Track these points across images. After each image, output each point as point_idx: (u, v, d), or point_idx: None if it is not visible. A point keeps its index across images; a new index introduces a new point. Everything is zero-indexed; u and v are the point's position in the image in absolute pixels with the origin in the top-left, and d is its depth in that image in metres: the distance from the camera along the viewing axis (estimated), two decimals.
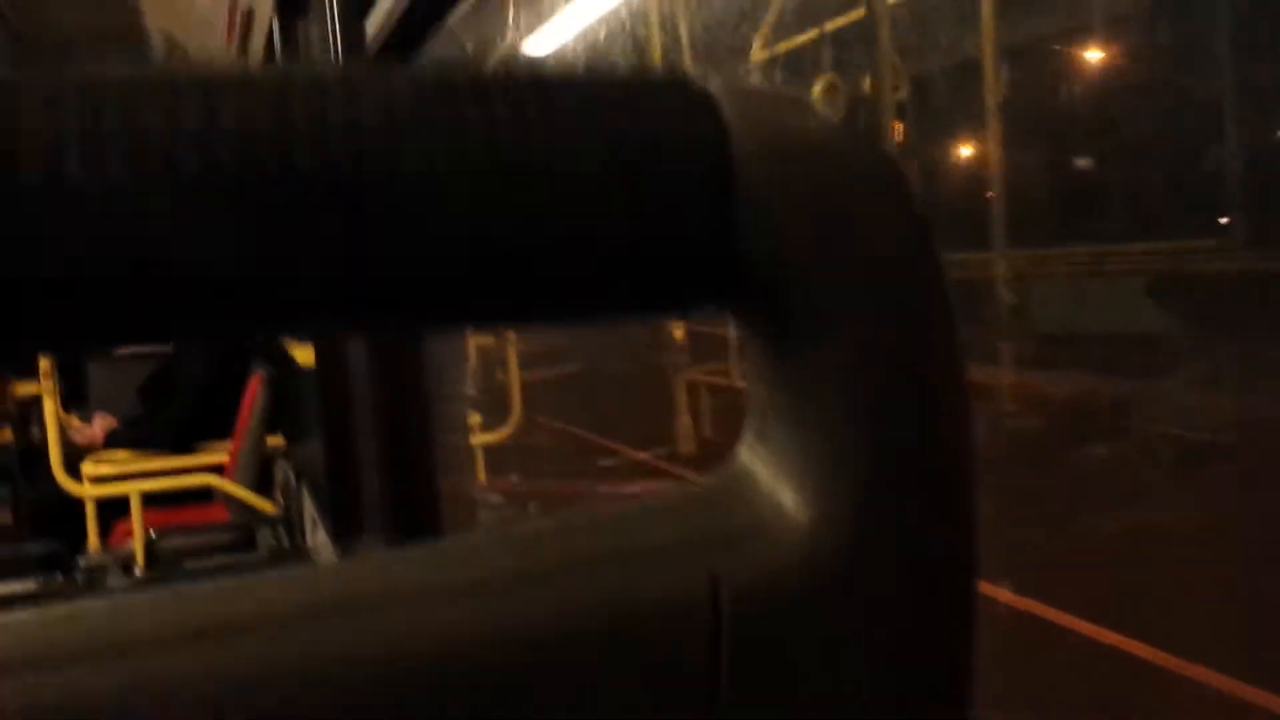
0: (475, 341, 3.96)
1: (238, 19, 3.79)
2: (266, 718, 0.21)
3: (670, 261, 0.23)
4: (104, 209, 0.19)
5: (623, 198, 0.22)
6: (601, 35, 3.04)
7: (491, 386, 3.44)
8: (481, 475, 3.31)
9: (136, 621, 0.22)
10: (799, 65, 3.08)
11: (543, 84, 0.22)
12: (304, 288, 0.21)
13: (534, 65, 0.23)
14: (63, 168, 0.19)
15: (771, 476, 0.26)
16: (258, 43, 3.76)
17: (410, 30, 1.96)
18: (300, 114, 0.20)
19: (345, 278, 0.21)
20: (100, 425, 4.31)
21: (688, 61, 3.06)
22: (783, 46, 2.90)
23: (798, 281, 0.24)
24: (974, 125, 2.77)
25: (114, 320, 0.20)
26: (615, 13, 2.92)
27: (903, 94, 2.89)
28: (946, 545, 0.26)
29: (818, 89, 2.97)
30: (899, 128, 2.96)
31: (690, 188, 0.23)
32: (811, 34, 3.02)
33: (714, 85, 0.24)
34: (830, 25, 3.00)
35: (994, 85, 2.54)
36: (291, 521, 3.85)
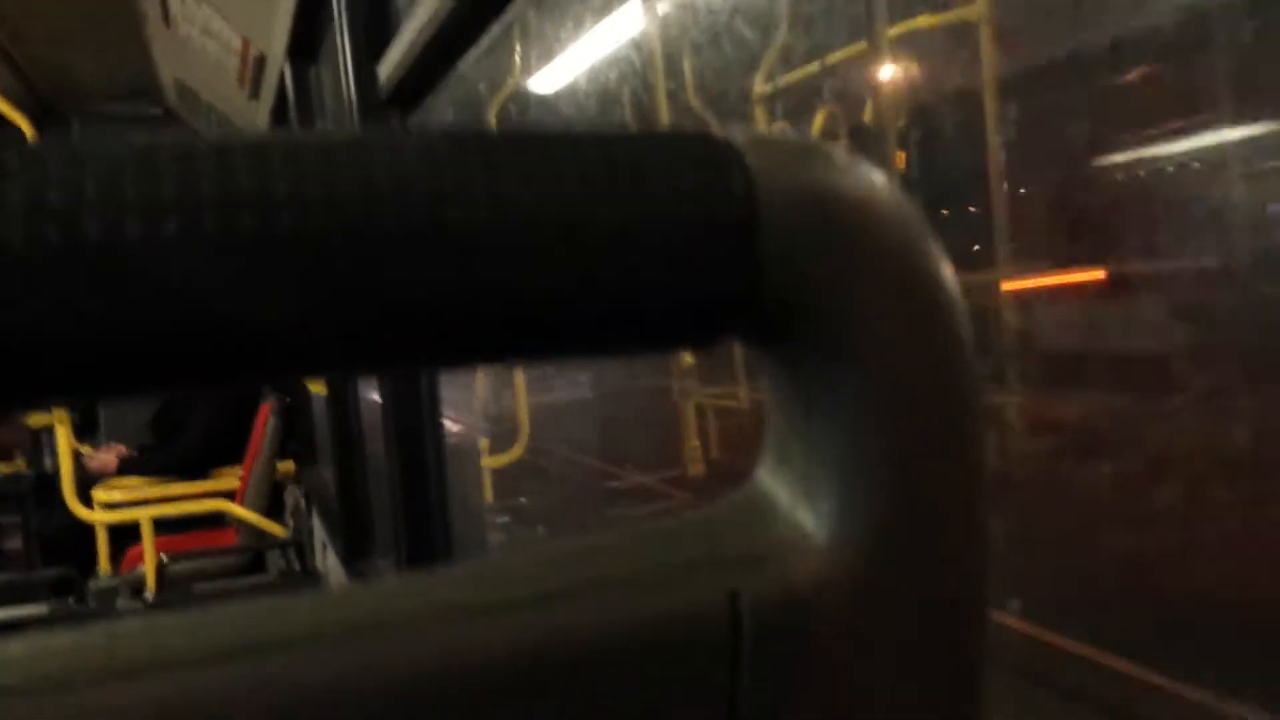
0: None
1: (249, 65, 3.81)
2: None
3: (700, 301, 0.24)
4: (126, 270, 0.19)
5: (657, 246, 0.23)
6: (611, 76, 3.08)
7: (499, 413, 3.45)
8: (490, 497, 3.33)
9: (153, 643, 0.22)
10: (801, 98, 3.12)
11: (578, 143, 0.23)
12: (348, 336, 0.22)
13: (554, 127, 0.24)
14: (85, 230, 0.19)
15: (790, 499, 0.27)
16: (269, 88, 3.79)
17: (423, 75, 1.98)
18: (346, 176, 0.21)
19: (390, 323, 0.22)
20: (113, 453, 4.34)
21: (692, 97, 3.10)
22: (784, 81, 2.94)
23: (820, 317, 0.25)
24: (976, 154, 2.80)
25: (141, 372, 0.20)
26: (621, 53, 2.97)
27: (902, 123, 2.93)
28: (960, 570, 0.27)
29: (819, 120, 3.02)
30: (901, 157, 2.99)
31: (720, 233, 0.24)
32: (812, 68, 3.07)
33: (738, 137, 0.25)
34: (831, 59, 3.03)
35: (994, 116, 2.58)
36: (302, 545, 3.87)
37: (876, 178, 0.26)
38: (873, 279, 0.26)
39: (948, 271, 0.26)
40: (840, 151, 0.27)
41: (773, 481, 0.28)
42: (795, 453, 0.27)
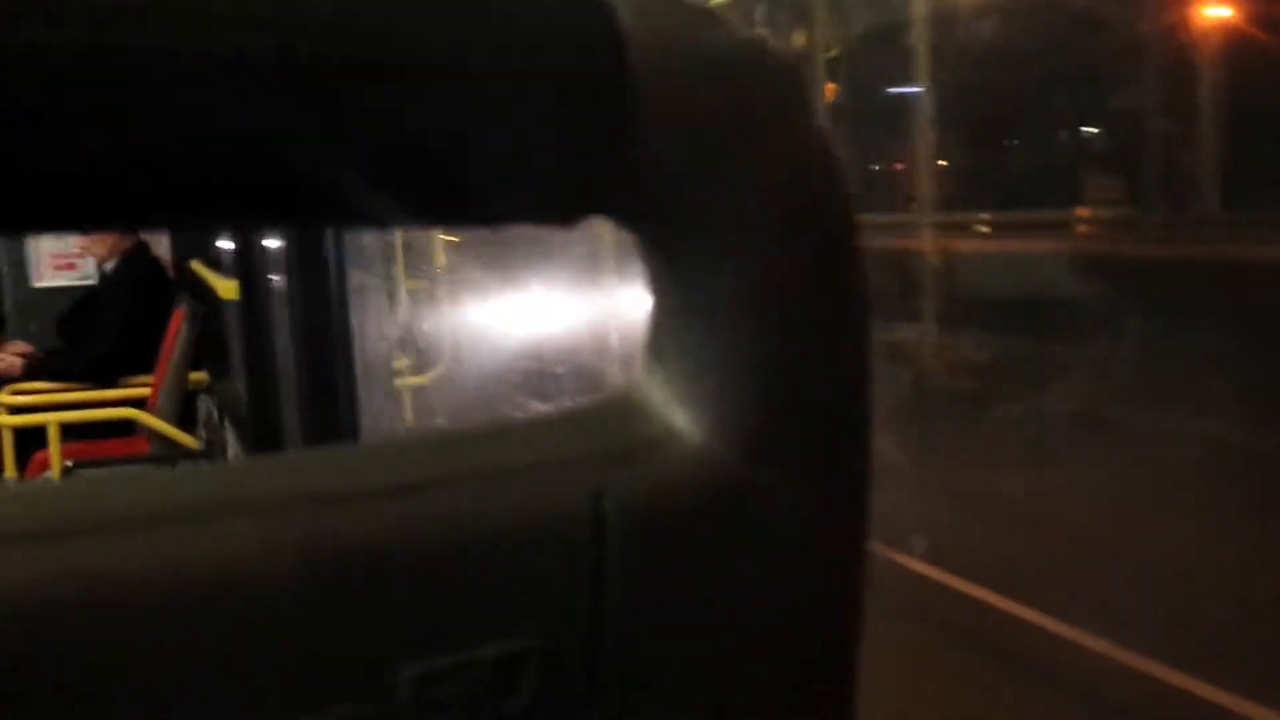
0: (408, 284, 3.93)
1: None
2: (121, 619, 0.21)
3: (563, 167, 0.23)
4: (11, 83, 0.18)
5: (513, 98, 0.22)
6: None
7: (419, 331, 3.42)
8: (409, 418, 3.31)
9: (31, 511, 0.21)
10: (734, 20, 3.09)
11: None
12: (206, 176, 0.20)
13: None
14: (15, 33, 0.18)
15: (665, 396, 0.26)
16: None
17: None
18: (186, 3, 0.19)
19: (246, 167, 0.20)
20: (18, 353, 4.22)
21: None
22: (714, 1, 2.91)
23: (695, 197, 0.24)
24: (903, 84, 2.80)
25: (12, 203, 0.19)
26: None
27: (834, 52, 2.93)
28: (838, 476, 0.26)
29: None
30: (830, 88, 2.99)
31: (583, 92, 0.22)
32: None
33: None
34: None
35: (923, 49, 2.58)
36: (213, 457, 3.82)
37: (766, 50, 0.24)
38: (757, 160, 0.24)
39: (838, 160, 0.25)
40: (728, 16, 0.25)
41: (648, 379, 0.27)
42: (670, 349, 0.26)
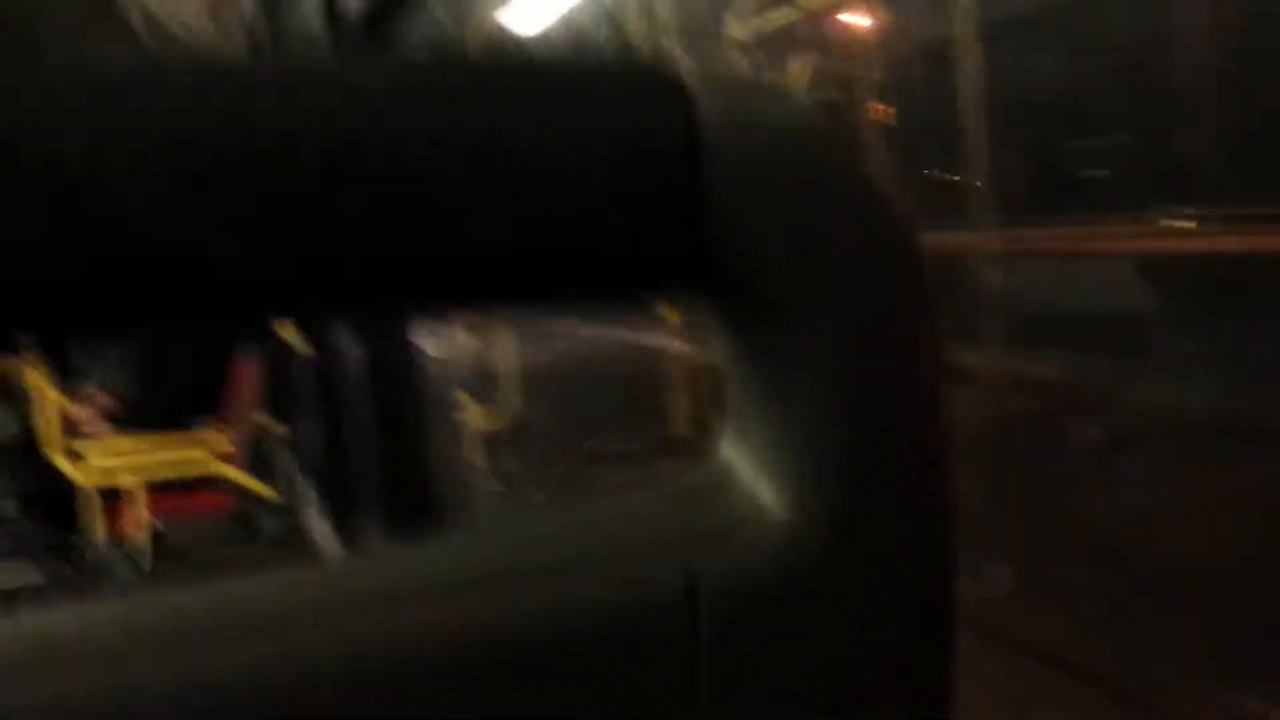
0: (467, 331, 3.97)
1: None
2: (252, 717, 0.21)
3: (640, 247, 0.23)
4: (103, 198, 0.19)
5: (592, 184, 0.22)
6: (581, 16, 3.04)
7: (483, 373, 3.45)
8: (478, 461, 3.34)
9: (140, 625, 0.22)
10: (777, 45, 3.08)
11: (516, 73, 0.22)
12: (284, 272, 0.21)
13: (508, 53, 0.23)
14: (62, 160, 0.18)
15: (751, 472, 0.26)
16: (234, 17, 3.71)
17: (390, 5, 1.94)
18: (267, 105, 0.20)
19: (320, 262, 0.21)
20: (96, 406, 4.30)
21: (666, 41, 3.06)
22: (760, 26, 2.90)
23: (769, 271, 0.24)
24: (952, 105, 2.78)
25: (121, 307, 0.20)
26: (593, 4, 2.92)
27: (881, 75, 2.91)
28: (924, 542, 0.26)
29: (796, 68, 2.99)
30: (879, 108, 2.98)
31: (661, 174, 0.23)
32: (790, 13, 3.03)
33: (686, 73, 0.23)
34: (808, 3, 3.00)
35: (970, 66, 2.56)
36: (292, 508, 3.88)
37: (835, 126, 0.26)
38: (829, 232, 0.24)
39: (911, 224, 0.25)
40: (795, 91, 0.26)
41: (734, 454, 0.27)
42: (754, 423, 0.26)
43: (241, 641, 0.22)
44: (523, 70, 0.22)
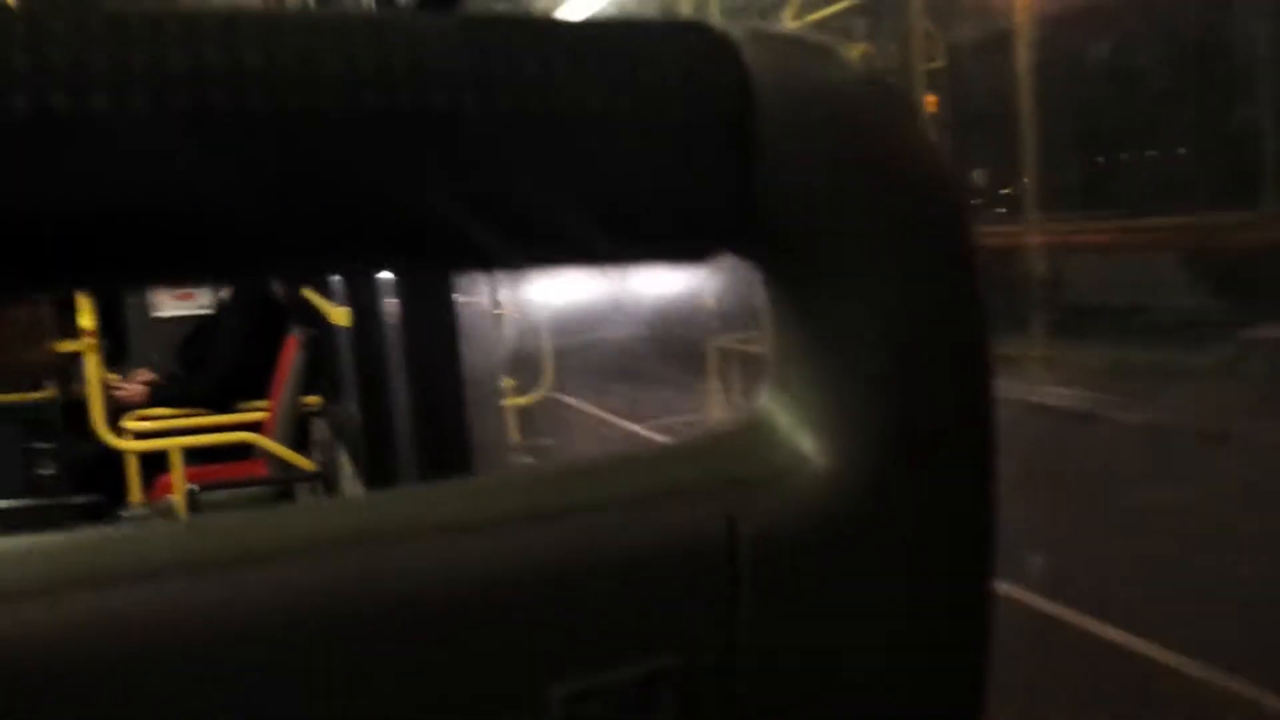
0: (508, 308, 3.99)
1: None
2: (285, 644, 0.21)
3: (690, 205, 0.23)
4: (129, 144, 0.18)
5: (642, 140, 0.22)
6: (631, 5, 3.04)
7: (520, 352, 3.47)
8: (514, 435, 3.36)
9: (166, 548, 0.22)
10: (832, 35, 3.07)
11: (566, 31, 0.22)
12: (332, 226, 0.21)
13: (558, 19, 0.22)
14: (90, 102, 0.18)
15: (792, 423, 0.26)
16: None
17: None
18: (331, 57, 0.20)
19: (371, 217, 0.21)
20: (142, 381, 4.39)
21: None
22: (814, 17, 2.90)
23: (820, 230, 0.24)
24: (1009, 97, 2.75)
25: (108, 258, 0.20)
26: None
27: (937, 63, 2.90)
28: (964, 498, 0.26)
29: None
30: (932, 100, 2.96)
31: (710, 131, 0.23)
32: (844, 3, 3.03)
33: (736, 30, 0.23)
34: None
35: (1026, 61, 2.54)
36: (329, 479, 3.91)
37: (887, 85, 0.25)
38: (879, 193, 0.24)
39: (957, 187, 0.25)
40: (848, 51, 0.25)
41: (774, 405, 0.27)
42: (796, 376, 0.26)
43: (276, 564, 0.22)
44: (575, 28, 0.22)
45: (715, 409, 3.33)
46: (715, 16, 3.08)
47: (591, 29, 0.22)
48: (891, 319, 0.25)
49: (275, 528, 0.23)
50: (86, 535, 0.22)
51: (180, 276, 0.21)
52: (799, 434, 0.26)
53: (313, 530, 0.23)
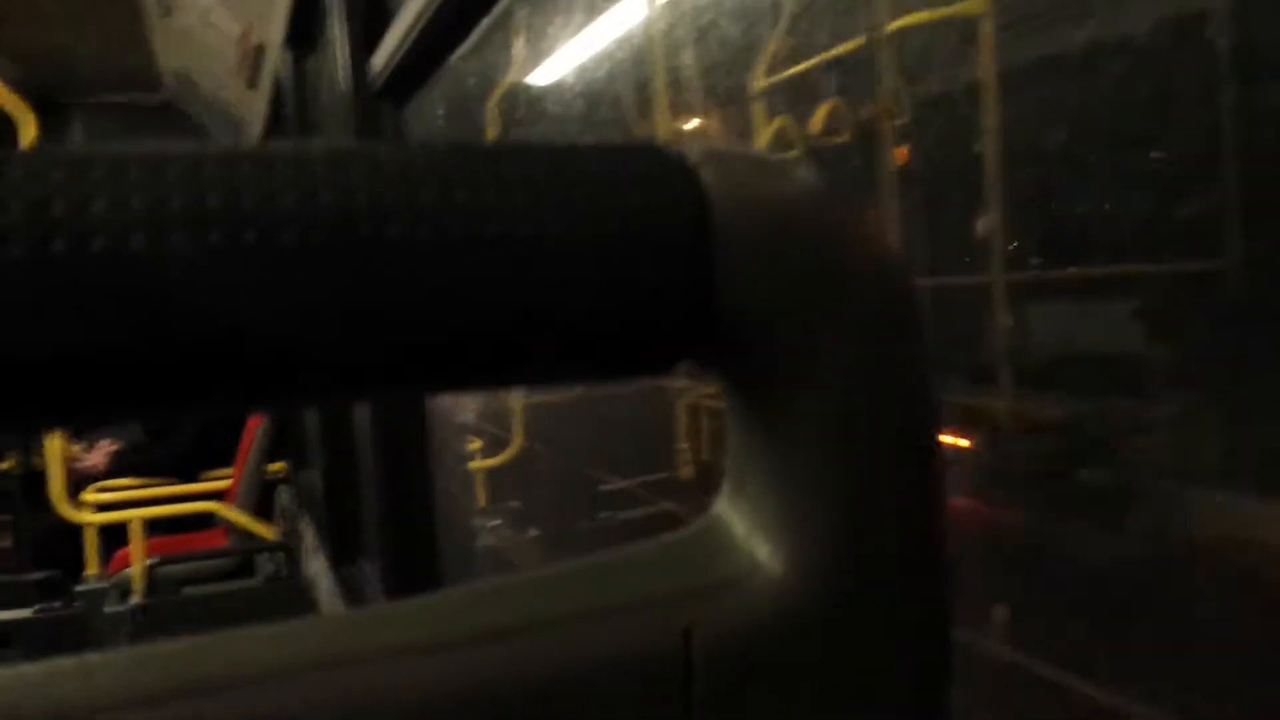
0: None
1: (249, 54, 3.83)
2: None
3: (653, 323, 0.24)
4: (130, 284, 0.19)
5: (605, 265, 0.23)
6: (603, 73, 3.05)
7: (487, 412, 3.43)
8: (481, 500, 3.30)
9: (115, 680, 0.22)
10: (802, 93, 3.08)
11: (525, 159, 0.23)
12: (297, 357, 0.21)
13: (518, 142, 0.23)
14: (90, 243, 0.19)
15: (748, 529, 0.26)
16: (267, 78, 3.80)
17: (415, 67, 1.98)
18: (288, 192, 0.21)
19: (346, 348, 0.21)
20: (103, 452, 4.32)
21: (692, 92, 3.07)
22: (785, 74, 2.90)
23: (776, 339, 0.25)
24: (975, 148, 2.75)
25: (141, 392, 0.20)
26: (617, 49, 2.94)
27: (905, 119, 2.89)
28: (919, 600, 0.27)
29: (820, 115, 2.98)
30: (902, 152, 2.95)
31: (670, 250, 0.23)
32: (813, 61, 3.03)
33: (692, 152, 0.25)
34: (831, 53, 2.99)
35: (993, 109, 2.54)
36: (291, 548, 3.85)
37: (840, 198, 0.26)
38: (832, 302, 0.25)
39: (912, 291, 0.26)
40: (799, 167, 0.26)
41: (730, 510, 0.27)
42: (752, 481, 0.27)
43: (237, 693, 0.22)
44: (535, 154, 0.23)
45: (684, 467, 3.29)
46: (690, 70, 3.10)
47: (552, 154, 0.24)
48: (845, 424, 0.25)
49: (211, 657, 0.23)
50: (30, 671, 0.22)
51: (130, 413, 0.21)
52: (754, 540, 0.26)
53: (253, 658, 0.23)
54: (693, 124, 3.03)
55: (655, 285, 0.23)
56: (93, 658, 0.22)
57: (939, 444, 0.27)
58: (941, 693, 0.27)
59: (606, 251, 0.23)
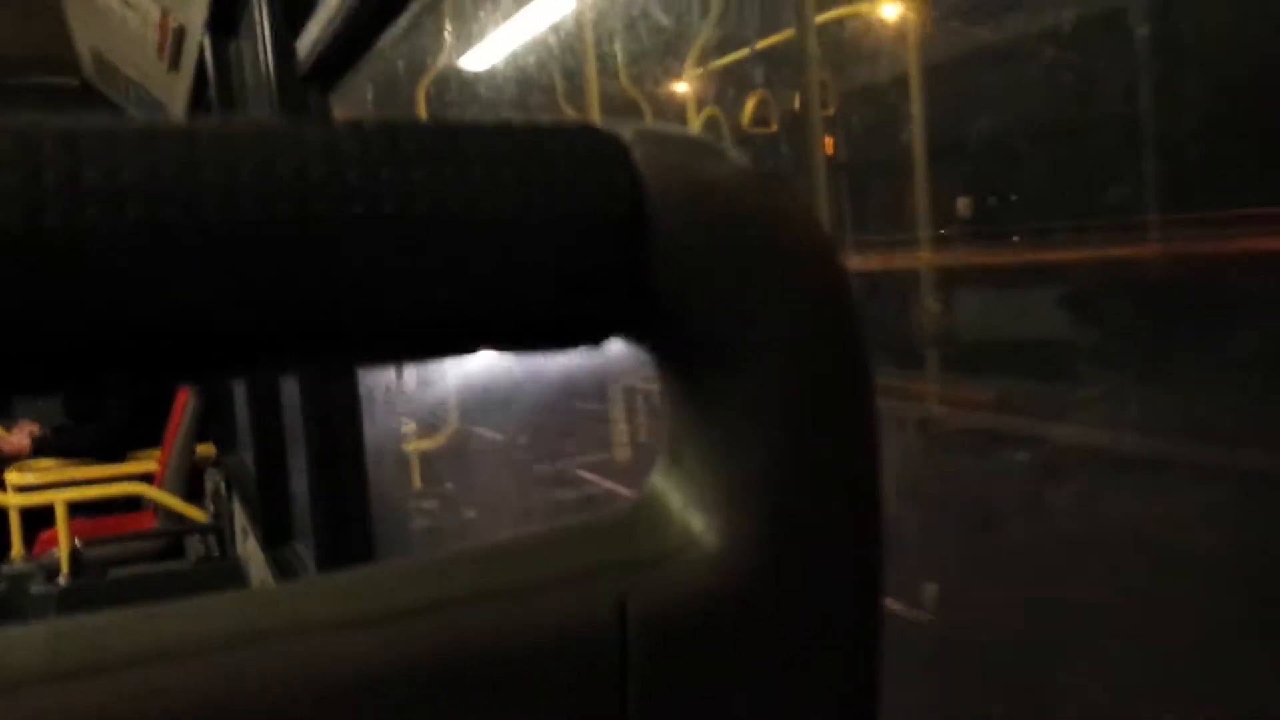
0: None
1: (169, 37, 3.74)
2: None
3: (586, 298, 0.24)
4: (41, 258, 0.19)
5: (537, 241, 0.23)
6: (532, 60, 3.06)
7: (425, 393, 3.42)
8: (416, 481, 3.30)
9: (31, 654, 0.21)
10: (732, 83, 3.11)
11: (456, 136, 0.23)
12: (234, 331, 0.21)
13: (449, 120, 0.24)
14: (42, 218, 0.19)
15: (683, 503, 0.27)
16: (189, 61, 3.71)
17: (342, 52, 1.95)
18: (210, 171, 0.21)
19: (270, 322, 0.22)
20: (26, 432, 4.23)
21: (623, 80, 3.08)
22: (714, 65, 2.93)
23: (709, 316, 0.25)
24: (902, 138, 2.82)
25: (55, 367, 0.20)
26: (548, 38, 2.94)
27: (830, 110, 2.95)
28: (852, 568, 0.27)
29: (749, 106, 3.02)
30: (829, 142, 3.01)
31: (603, 230, 0.24)
32: (743, 53, 3.06)
33: (626, 132, 0.25)
34: (761, 44, 3.04)
35: (918, 99, 2.61)
36: (221, 530, 3.81)
37: (769, 176, 0.26)
38: (763, 278, 0.25)
39: (843, 269, 0.26)
40: (729, 147, 0.27)
41: (666, 484, 0.28)
42: (688, 455, 0.27)
43: (168, 666, 0.21)
44: (470, 132, 0.24)
45: (620, 447, 3.31)
46: (620, 70, 3.11)
47: (484, 132, 0.24)
48: (777, 399, 0.25)
49: (138, 629, 0.22)
50: None
51: (106, 378, 0.21)
52: (690, 513, 0.26)
53: (176, 632, 0.22)
54: (623, 112, 3.05)
55: (587, 262, 0.24)
56: (11, 630, 0.22)
57: (875, 415, 0.27)
58: (873, 661, 0.28)
59: (538, 228, 0.23)
